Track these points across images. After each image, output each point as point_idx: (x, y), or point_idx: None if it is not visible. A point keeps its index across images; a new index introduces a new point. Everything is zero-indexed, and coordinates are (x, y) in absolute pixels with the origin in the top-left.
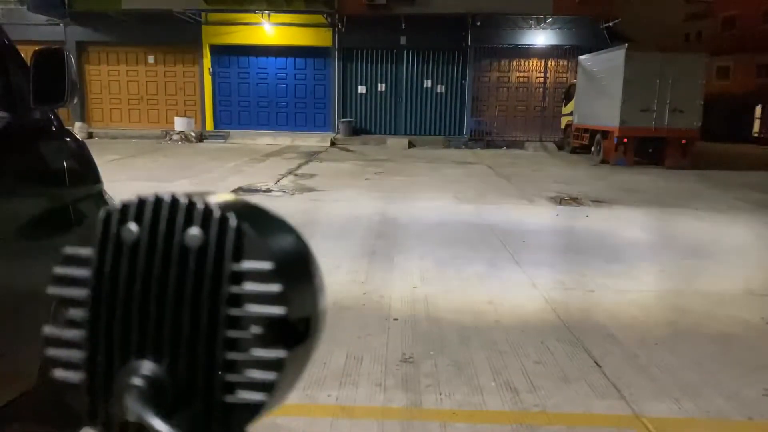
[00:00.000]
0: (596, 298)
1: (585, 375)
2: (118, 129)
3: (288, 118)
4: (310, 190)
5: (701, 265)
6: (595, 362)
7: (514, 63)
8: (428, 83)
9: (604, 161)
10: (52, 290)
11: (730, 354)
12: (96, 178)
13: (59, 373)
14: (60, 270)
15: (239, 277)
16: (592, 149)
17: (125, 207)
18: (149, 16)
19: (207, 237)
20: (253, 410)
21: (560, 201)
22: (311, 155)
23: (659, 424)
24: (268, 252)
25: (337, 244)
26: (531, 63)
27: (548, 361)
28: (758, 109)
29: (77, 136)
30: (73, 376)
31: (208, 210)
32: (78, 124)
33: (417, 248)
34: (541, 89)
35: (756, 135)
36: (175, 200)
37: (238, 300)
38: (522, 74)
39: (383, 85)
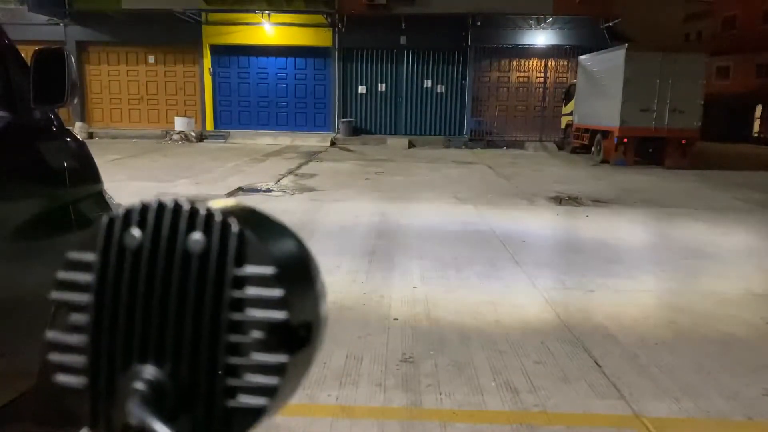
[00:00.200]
0: (596, 298)
1: (585, 375)
2: (119, 129)
3: (288, 118)
4: (310, 190)
5: (701, 265)
6: (595, 362)
7: (514, 63)
8: (428, 83)
9: (604, 161)
10: (55, 295)
11: (730, 354)
12: (96, 178)
13: (61, 378)
14: (63, 275)
15: (241, 282)
16: (592, 149)
17: (128, 212)
18: (149, 16)
19: (209, 242)
20: (255, 415)
21: (560, 201)
22: (311, 155)
23: (659, 424)
24: (269, 257)
25: (337, 244)
26: (531, 63)
27: (548, 361)
28: (758, 109)
29: (77, 136)
30: (75, 380)
31: (210, 215)
32: (78, 124)
33: (417, 248)
34: (541, 89)
35: (756, 135)
36: (177, 206)
37: (240, 305)
38: (522, 74)
39: (383, 85)
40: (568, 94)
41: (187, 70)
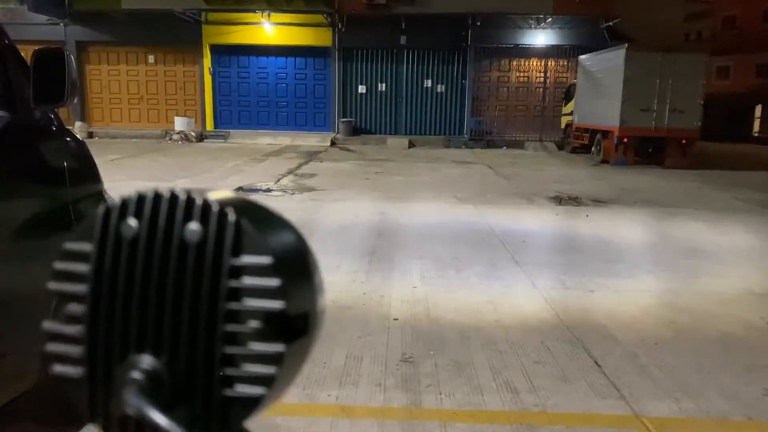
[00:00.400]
0: (596, 298)
1: (585, 375)
2: (118, 129)
3: (288, 117)
4: (310, 189)
5: (701, 265)
6: (595, 362)
7: (514, 63)
8: (428, 83)
9: (604, 161)
10: (52, 285)
11: (730, 354)
12: (96, 178)
13: (59, 368)
14: (60, 265)
15: (238, 272)
16: (592, 149)
17: (124, 203)
18: (149, 16)
19: (206, 232)
20: (252, 404)
21: (560, 201)
22: (311, 155)
23: (659, 424)
24: (266, 247)
25: (337, 244)
26: (531, 63)
27: (548, 360)
28: (758, 109)
29: (77, 136)
30: (72, 371)
31: (206, 205)
32: (78, 123)
33: (417, 248)
34: (541, 89)
35: (756, 135)
36: (174, 196)
37: (237, 294)
38: (522, 74)
39: (383, 84)
40: (568, 94)
41: (187, 69)
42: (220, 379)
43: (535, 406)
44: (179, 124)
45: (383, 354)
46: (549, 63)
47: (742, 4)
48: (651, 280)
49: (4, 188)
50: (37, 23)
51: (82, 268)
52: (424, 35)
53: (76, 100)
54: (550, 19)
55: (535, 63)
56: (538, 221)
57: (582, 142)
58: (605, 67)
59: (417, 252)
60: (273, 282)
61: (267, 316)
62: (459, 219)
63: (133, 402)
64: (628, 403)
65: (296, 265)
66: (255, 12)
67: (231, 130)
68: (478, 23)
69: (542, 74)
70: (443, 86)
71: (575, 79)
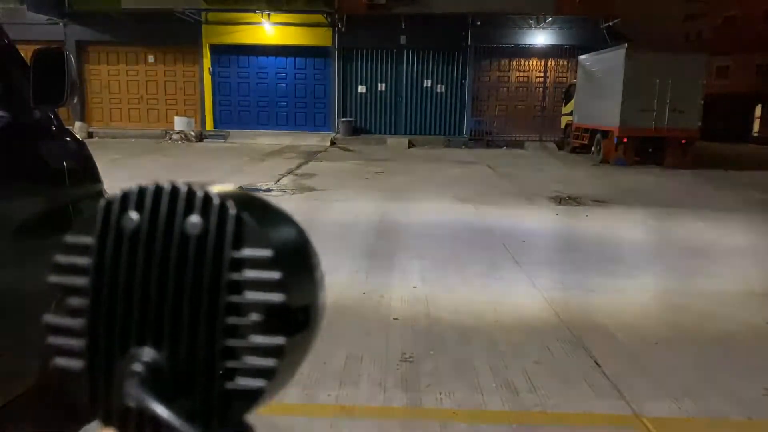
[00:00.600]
0: (596, 298)
1: (585, 375)
2: (118, 129)
3: (288, 117)
4: (310, 189)
5: (701, 265)
6: (595, 362)
7: (514, 63)
8: (428, 83)
9: (604, 161)
10: (53, 278)
11: (730, 354)
12: (96, 178)
13: (60, 361)
14: (60, 258)
15: (239, 265)
16: (592, 149)
17: (125, 195)
18: (149, 16)
19: (207, 225)
20: (253, 397)
21: (560, 201)
22: (311, 155)
23: (659, 424)
24: (267, 240)
25: (337, 244)
26: (531, 63)
27: (548, 360)
28: (758, 109)
29: (77, 136)
30: (73, 363)
31: (207, 198)
32: (78, 123)
33: (417, 248)
34: (541, 89)
35: (756, 135)
36: (175, 189)
37: (238, 287)
38: (522, 74)
39: (383, 84)
40: (568, 94)
41: (187, 69)
42: (220, 371)
43: (535, 406)
44: (179, 124)
45: (383, 354)
46: (549, 63)
47: (741, 4)
48: (651, 280)
49: (4, 188)
50: (37, 23)
51: (83, 260)
52: (424, 35)
53: (75, 100)
54: (550, 19)
55: (535, 63)
56: (538, 221)
57: (582, 142)
58: (605, 67)
59: (417, 252)
60: (274, 275)
61: (268, 308)
62: (459, 219)
63: (134, 394)
64: (628, 403)
65: (297, 259)
66: (255, 12)
67: (231, 130)
68: (478, 23)
69: (542, 74)
70: (443, 86)
71: (575, 79)
